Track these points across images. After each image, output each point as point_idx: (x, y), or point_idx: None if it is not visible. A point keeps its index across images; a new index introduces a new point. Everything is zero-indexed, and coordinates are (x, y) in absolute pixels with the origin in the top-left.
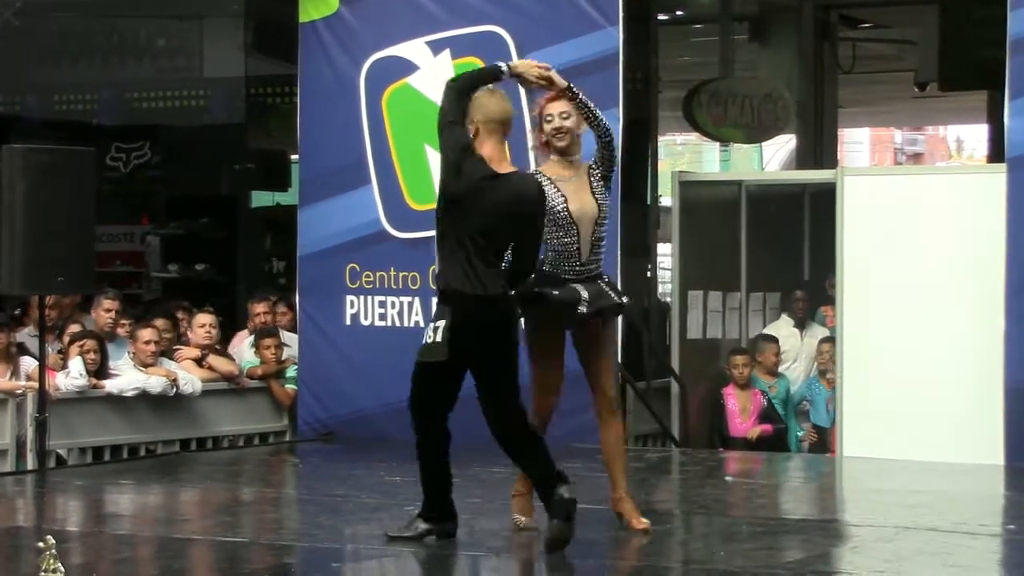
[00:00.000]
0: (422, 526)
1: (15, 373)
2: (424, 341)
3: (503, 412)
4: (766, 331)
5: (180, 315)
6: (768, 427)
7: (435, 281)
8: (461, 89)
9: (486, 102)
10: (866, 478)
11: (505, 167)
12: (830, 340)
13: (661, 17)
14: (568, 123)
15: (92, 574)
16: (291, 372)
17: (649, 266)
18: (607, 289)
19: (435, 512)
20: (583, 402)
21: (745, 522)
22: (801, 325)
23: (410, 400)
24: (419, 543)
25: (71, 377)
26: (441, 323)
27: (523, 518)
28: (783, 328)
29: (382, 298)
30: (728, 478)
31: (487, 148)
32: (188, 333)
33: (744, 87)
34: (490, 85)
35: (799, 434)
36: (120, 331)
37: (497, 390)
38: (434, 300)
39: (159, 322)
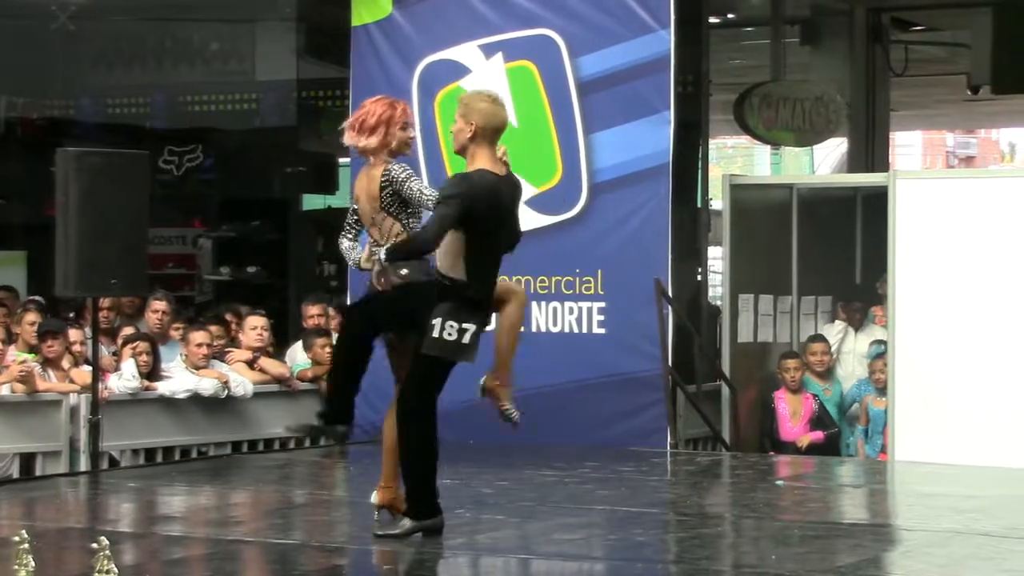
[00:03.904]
0: (409, 523)
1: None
2: (443, 339)
3: None
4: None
5: (230, 318)
6: (819, 434)
7: (465, 290)
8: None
9: (488, 109)
10: (918, 482)
11: (499, 168)
12: (882, 356)
13: (712, 20)
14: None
15: (145, 575)
16: None
17: (700, 269)
18: None
19: (425, 508)
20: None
21: (796, 526)
22: (857, 326)
23: (420, 400)
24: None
25: (123, 379)
26: (471, 327)
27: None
28: (838, 327)
29: None
30: (779, 482)
31: (483, 157)
32: (239, 336)
33: (795, 90)
34: (490, 93)
35: (849, 440)
36: (173, 334)
37: None
38: None
39: (213, 328)
